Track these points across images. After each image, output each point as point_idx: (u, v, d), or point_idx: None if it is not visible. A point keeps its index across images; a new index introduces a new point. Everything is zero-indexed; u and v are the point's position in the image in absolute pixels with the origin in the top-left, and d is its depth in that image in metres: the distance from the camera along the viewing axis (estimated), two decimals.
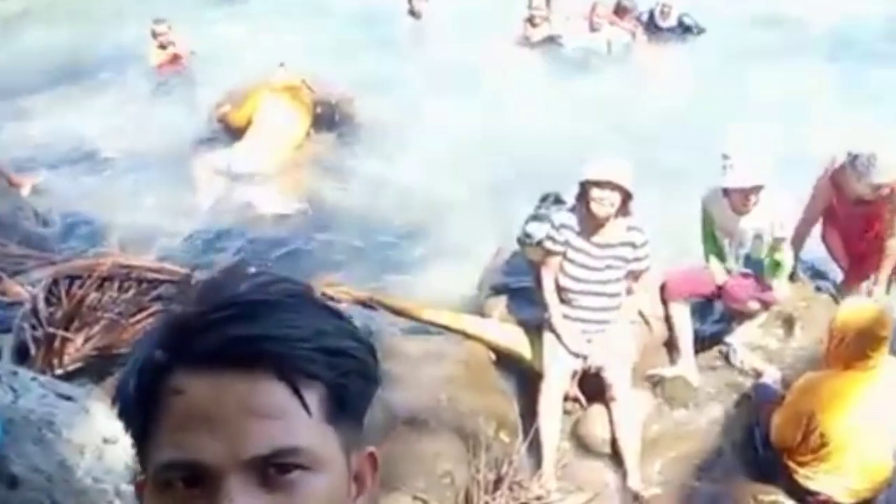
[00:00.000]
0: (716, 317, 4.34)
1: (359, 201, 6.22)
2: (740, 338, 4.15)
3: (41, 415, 2.20)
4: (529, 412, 3.91)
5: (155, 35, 7.92)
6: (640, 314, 4.13)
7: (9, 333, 3.83)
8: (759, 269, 4.03)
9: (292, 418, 0.72)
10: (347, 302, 4.38)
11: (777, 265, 3.97)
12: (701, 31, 8.41)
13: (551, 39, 8.46)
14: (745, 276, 4.07)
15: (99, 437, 2.29)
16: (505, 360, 4.24)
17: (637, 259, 3.87)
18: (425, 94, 7.44)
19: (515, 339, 4.25)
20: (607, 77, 7.97)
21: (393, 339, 4.15)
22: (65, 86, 7.72)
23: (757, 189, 3.83)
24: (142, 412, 0.74)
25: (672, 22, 8.40)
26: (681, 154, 6.15)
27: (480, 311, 4.55)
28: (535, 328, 4.15)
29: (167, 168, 6.50)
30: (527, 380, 4.11)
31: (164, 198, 6.18)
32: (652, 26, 8.49)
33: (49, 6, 9.87)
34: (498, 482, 3.42)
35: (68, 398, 2.40)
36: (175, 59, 7.93)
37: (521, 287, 4.55)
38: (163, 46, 7.94)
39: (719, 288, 4.12)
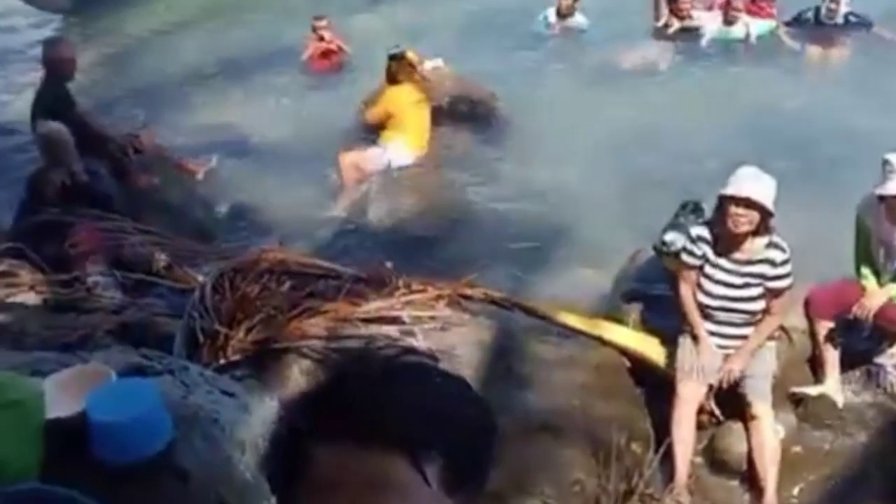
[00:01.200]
0: (864, 334, 4.16)
1: (498, 199, 6.34)
2: (891, 359, 3.96)
3: (208, 412, 2.43)
4: (662, 423, 3.91)
5: (314, 30, 8.30)
6: (783, 328, 4.01)
7: (180, 320, 4.21)
8: None
9: (414, 492, 0.82)
10: (484, 302, 4.50)
11: None
12: (869, 25, 7.97)
13: (689, 30, 8.24)
14: None
15: (258, 435, 2.50)
16: (638, 369, 4.24)
17: (777, 277, 3.75)
18: (568, 90, 7.43)
19: (650, 348, 4.23)
20: (749, 71, 7.69)
21: (527, 342, 4.22)
22: (228, 80, 8.23)
23: None
24: (282, 471, 0.86)
25: (839, 20, 7.97)
26: (831, 157, 5.87)
27: (614, 317, 4.56)
28: (671, 338, 4.13)
29: (318, 161, 6.84)
30: (660, 390, 4.09)
31: (314, 191, 6.52)
32: (818, 24, 8.09)
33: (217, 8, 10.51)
34: (628, 494, 3.45)
35: (231, 395, 2.63)
36: (330, 54, 8.27)
37: (656, 294, 4.52)
38: (320, 40, 8.31)
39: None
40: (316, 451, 0.73)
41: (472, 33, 8.75)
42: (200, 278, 4.52)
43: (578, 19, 8.64)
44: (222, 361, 3.46)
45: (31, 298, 4.47)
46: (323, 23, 8.36)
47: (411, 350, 0.83)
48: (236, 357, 3.54)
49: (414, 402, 0.70)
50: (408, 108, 6.73)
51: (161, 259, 5.25)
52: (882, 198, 3.74)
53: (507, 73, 7.76)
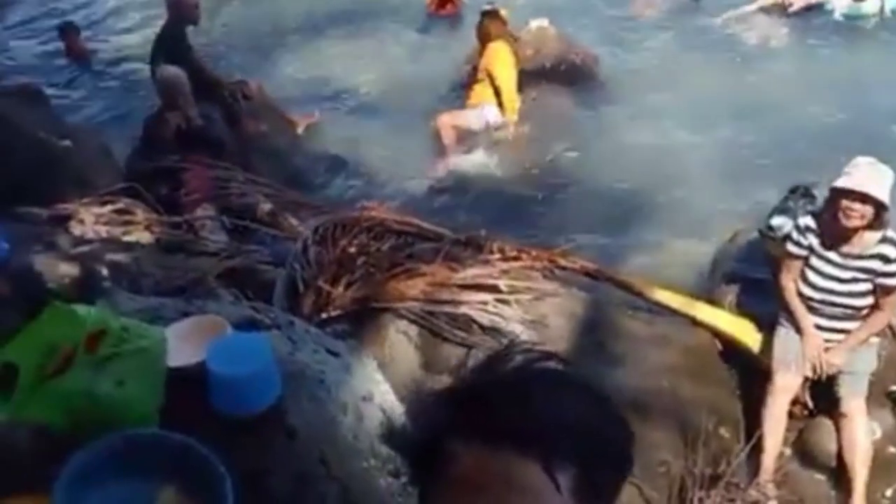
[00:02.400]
0: None
1: (594, 167, 6.25)
2: None
3: (315, 371, 2.53)
4: (751, 411, 3.87)
5: None
6: (889, 326, 3.89)
7: (281, 268, 4.36)
8: None
9: (543, 498, 0.83)
10: (577, 273, 4.49)
11: None
12: None
13: (815, 6, 7.82)
14: None
15: (358, 396, 2.61)
16: (731, 353, 4.18)
17: (889, 274, 3.60)
18: (675, 58, 7.22)
19: (746, 333, 4.16)
20: (880, 51, 7.26)
21: (619, 317, 4.22)
22: (339, 31, 8.30)
23: None
24: (423, 470, 0.91)
25: None
26: None
27: (709, 297, 4.50)
28: (768, 324, 4.05)
29: (419, 119, 6.87)
30: (752, 376, 4.04)
31: (413, 149, 6.57)
32: None
33: None
34: (714, 480, 3.45)
35: (335, 354, 2.73)
36: (448, 3, 8.16)
37: (755, 278, 4.42)
38: None
39: None
40: (456, 447, 0.76)
41: None
42: (302, 229, 4.66)
43: None
44: (323, 316, 3.58)
45: (145, 238, 4.69)
46: None
47: (552, 356, 0.85)
48: (336, 312, 3.67)
49: (554, 410, 0.72)
50: (503, 66, 6.61)
51: (266, 207, 5.43)
52: None
53: (613, 38, 7.58)
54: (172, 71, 5.70)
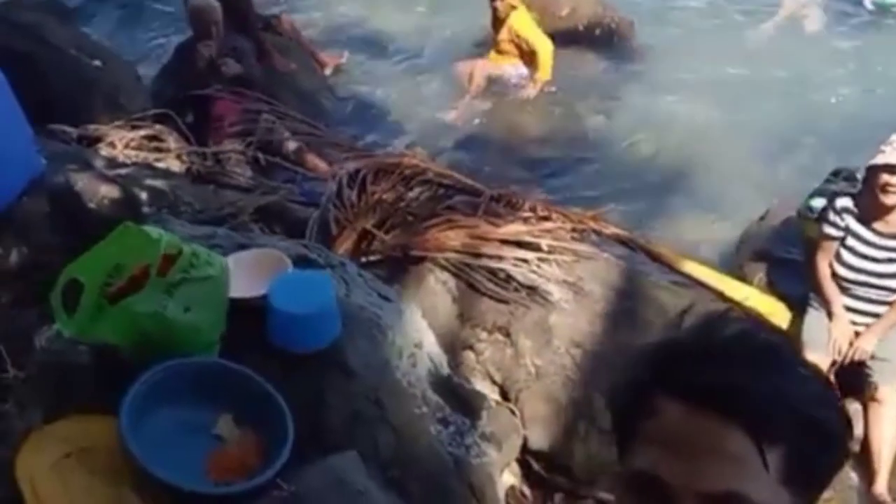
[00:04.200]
0: None
1: (624, 132, 6.20)
2: None
3: (370, 314, 2.52)
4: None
5: None
6: None
7: (314, 209, 4.32)
8: None
9: (750, 470, 0.80)
10: (609, 239, 4.47)
11: None
12: None
13: None
14: None
15: (411, 342, 2.60)
16: None
17: None
18: (710, 31, 7.12)
19: (774, 312, 4.17)
20: None
21: (649, 286, 4.20)
22: None
23: None
24: (629, 420, 0.89)
25: None
26: None
27: (738, 274, 4.49)
28: (798, 305, 4.06)
29: (449, 68, 6.76)
30: None
31: (442, 99, 6.48)
32: None
33: None
34: None
35: (387, 299, 2.72)
36: None
37: (786, 258, 4.42)
38: None
39: None
40: (662, 401, 0.75)
41: None
42: (335, 170, 4.61)
43: None
44: (361, 260, 3.56)
45: (175, 166, 4.64)
46: None
47: (774, 330, 0.84)
48: (375, 258, 3.64)
49: (771, 382, 0.70)
50: (533, 32, 6.44)
51: (292, 146, 5.37)
52: None
53: (650, 5, 7.46)
54: (206, 0, 5.57)
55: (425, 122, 6.29)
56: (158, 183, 3.80)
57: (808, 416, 0.82)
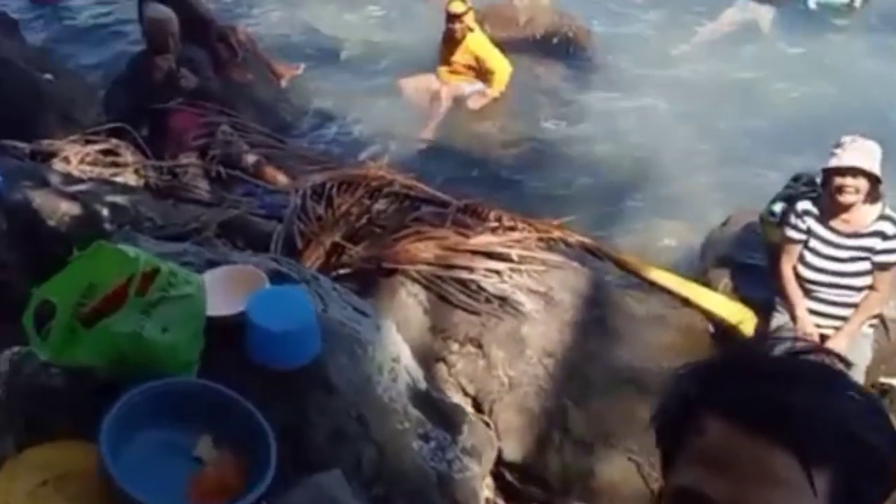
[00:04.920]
0: None
1: (584, 140, 6.25)
2: None
3: (350, 329, 2.48)
4: None
5: None
6: (882, 318, 3.99)
7: (276, 221, 4.25)
8: None
9: (796, 494, 0.78)
10: (575, 246, 4.49)
11: None
12: None
13: None
14: None
15: (390, 357, 2.56)
16: (724, 336, 4.24)
17: (887, 251, 3.70)
18: (666, 37, 7.23)
19: (739, 317, 4.21)
20: (855, 40, 7.37)
21: (617, 294, 4.23)
22: None
23: None
24: (671, 436, 0.87)
25: None
26: None
27: (701, 279, 4.55)
28: (763, 310, 4.11)
29: (408, 76, 6.74)
30: None
31: (401, 111, 6.44)
32: None
33: None
34: None
35: (363, 313, 2.68)
36: None
37: (749, 263, 4.49)
38: None
39: None
40: (706, 420, 0.73)
41: None
42: (298, 183, 4.55)
43: None
44: (331, 274, 3.50)
45: (132, 180, 4.53)
46: None
47: (824, 350, 0.81)
48: (344, 271, 3.59)
49: (821, 405, 0.68)
50: (491, 53, 6.47)
51: (251, 159, 5.29)
52: None
53: (606, 12, 7.56)
54: (162, 10, 5.47)
55: (384, 133, 6.26)
56: (118, 198, 3.70)
57: (860, 442, 0.80)
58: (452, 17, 6.32)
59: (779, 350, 0.85)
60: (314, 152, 5.04)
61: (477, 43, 6.43)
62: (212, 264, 2.59)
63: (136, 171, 4.55)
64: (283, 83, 6.70)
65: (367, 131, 6.30)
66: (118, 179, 4.40)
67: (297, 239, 3.97)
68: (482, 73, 6.51)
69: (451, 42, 6.44)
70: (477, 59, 6.45)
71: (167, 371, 2.05)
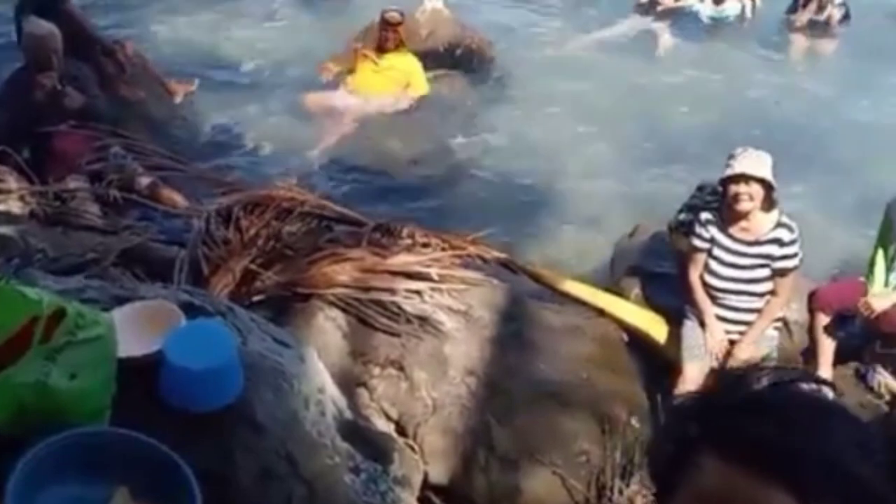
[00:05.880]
0: (856, 331, 4.30)
1: (491, 153, 6.25)
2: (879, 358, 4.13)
3: (272, 362, 2.34)
4: (661, 401, 3.98)
5: None
6: (785, 322, 4.13)
7: (178, 247, 4.03)
8: None
9: None
10: (490, 261, 4.46)
11: None
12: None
13: (681, 9, 8.17)
14: None
15: (315, 388, 2.44)
16: (638, 344, 4.29)
17: (785, 257, 3.85)
18: (569, 47, 7.34)
19: (652, 325, 4.29)
20: (745, 53, 7.69)
21: (533, 308, 4.22)
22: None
23: None
24: (667, 473, 0.83)
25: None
26: (828, 147, 5.99)
27: (613, 289, 4.60)
28: (674, 317, 4.19)
29: (307, 91, 6.59)
30: (658, 368, 4.16)
31: (303, 127, 6.29)
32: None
33: None
34: (631, 468, 3.52)
35: (285, 344, 2.54)
36: None
37: (658, 272, 4.57)
38: None
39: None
40: (703, 459, 0.69)
41: None
42: (200, 206, 4.34)
43: None
44: (246, 303, 3.34)
45: (17, 208, 4.22)
46: None
47: (814, 378, 0.78)
48: (257, 298, 3.44)
49: (816, 441, 0.64)
50: (422, 80, 6.60)
51: (144, 181, 5.03)
52: None
53: (507, 25, 7.62)
54: (43, 25, 5.13)
55: (290, 152, 6.09)
56: (4, 229, 3.43)
57: (857, 478, 0.77)
58: (388, 26, 6.44)
59: (775, 383, 0.81)
60: (217, 173, 4.81)
61: (410, 63, 6.52)
62: (118, 300, 2.40)
63: (22, 198, 4.23)
64: (177, 100, 6.42)
65: (271, 150, 6.11)
66: (0, 207, 4.09)
67: (202, 265, 3.78)
68: (397, 86, 6.50)
69: (381, 49, 6.51)
70: (403, 75, 6.51)
71: (77, 420, 1.87)
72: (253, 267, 3.47)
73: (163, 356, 2.04)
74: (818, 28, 7.85)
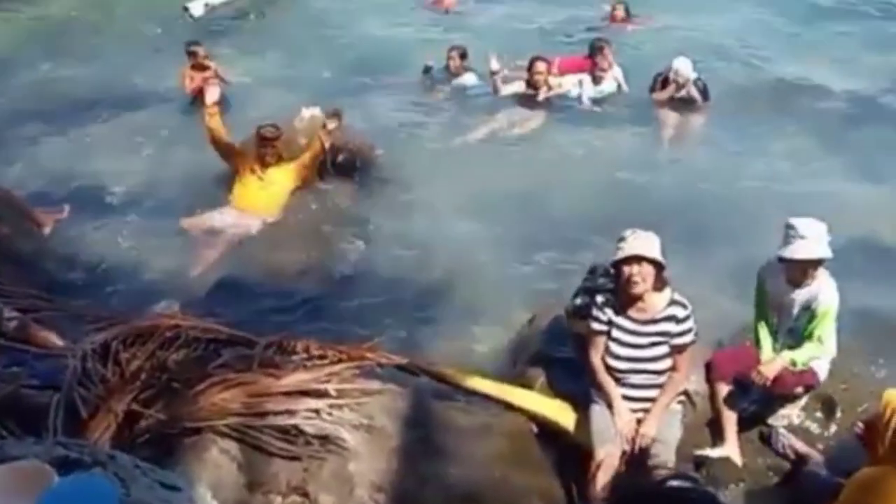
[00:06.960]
0: (754, 396, 4.37)
1: (381, 255, 6.19)
2: (782, 421, 4.20)
3: None
4: (573, 488, 3.91)
5: (191, 55, 7.86)
6: (686, 394, 4.16)
7: (53, 391, 3.73)
8: (799, 340, 4.05)
9: None
10: (388, 366, 4.33)
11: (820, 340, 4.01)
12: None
13: (562, 95, 8.44)
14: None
15: None
16: (548, 434, 4.23)
17: (681, 333, 3.92)
18: (449, 144, 7.46)
19: (560, 413, 4.25)
20: (621, 128, 7.98)
21: (439, 409, 4.11)
22: (84, 118, 7.60)
23: (818, 262, 3.89)
24: None
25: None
26: (719, 219, 6.23)
27: (520, 381, 4.54)
28: (581, 402, 4.16)
29: (184, 214, 6.40)
30: (570, 457, 4.09)
31: (183, 249, 6.08)
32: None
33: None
34: None
35: (174, 488, 2.34)
36: (206, 81, 7.64)
37: (560, 357, 4.55)
38: (198, 68, 7.87)
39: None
40: None
41: (354, 83, 8.67)
42: (75, 345, 4.06)
43: (467, 78, 8.65)
44: (130, 445, 3.10)
45: None
46: (200, 49, 7.96)
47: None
48: (141, 438, 3.20)
49: None
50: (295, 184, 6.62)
51: (11, 323, 4.68)
52: (783, 260, 3.97)
53: (387, 126, 7.71)
54: None
55: (171, 277, 5.85)
56: None
57: None
58: (265, 141, 6.45)
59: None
60: (93, 308, 4.54)
61: (291, 177, 6.53)
62: None
63: None
64: (46, 231, 6.11)
65: (151, 277, 5.85)
66: None
67: (80, 407, 3.51)
68: (284, 202, 6.54)
69: (262, 164, 6.51)
70: (285, 190, 6.54)
71: None
72: (135, 407, 3.22)
73: None
74: (685, 103, 8.27)
